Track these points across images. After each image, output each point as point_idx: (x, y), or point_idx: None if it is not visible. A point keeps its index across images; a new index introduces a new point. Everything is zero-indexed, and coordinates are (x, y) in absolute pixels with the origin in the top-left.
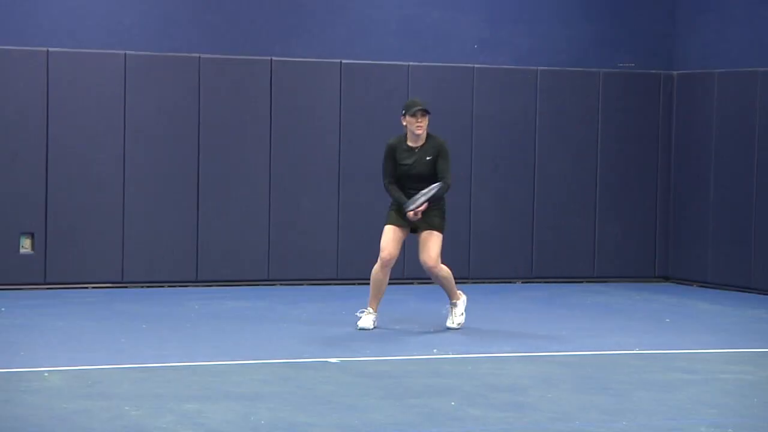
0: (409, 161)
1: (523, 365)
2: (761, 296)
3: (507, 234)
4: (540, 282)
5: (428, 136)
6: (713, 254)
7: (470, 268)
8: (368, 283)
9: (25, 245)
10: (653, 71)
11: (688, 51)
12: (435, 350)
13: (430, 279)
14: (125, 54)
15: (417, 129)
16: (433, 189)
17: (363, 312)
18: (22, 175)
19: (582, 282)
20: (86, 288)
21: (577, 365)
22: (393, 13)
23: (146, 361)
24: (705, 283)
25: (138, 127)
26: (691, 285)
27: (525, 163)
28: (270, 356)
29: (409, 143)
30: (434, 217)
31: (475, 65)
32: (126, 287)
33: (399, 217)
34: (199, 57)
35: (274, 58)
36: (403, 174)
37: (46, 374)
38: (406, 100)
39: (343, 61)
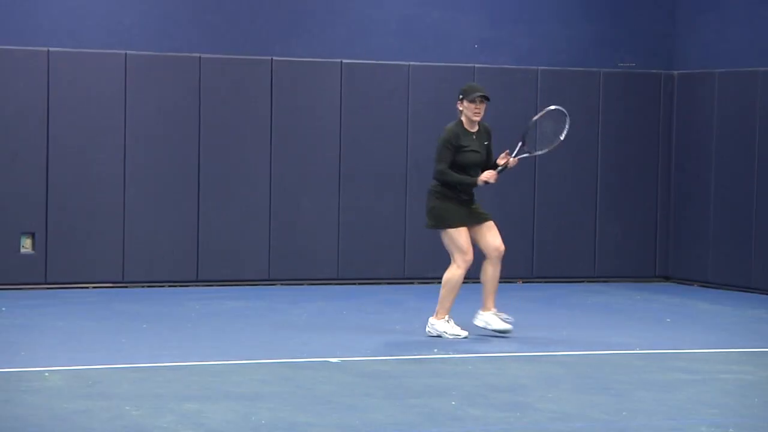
0: (471, 147)
1: (523, 365)
2: (761, 296)
3: (507, 234)
4: (540, 282)
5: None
6: (713, 254)
7: (470, 268)
8: (368, 283)
9: (26, 245)
10: (653, 71)
11: (688, 51)
12: (435, 350)
13: (429, 279)
14: (125, 54)
15: (475, 115)
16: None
17: (450, 326)
18: (22, 175)
19: (582, 282)
20: (86, 288)
21: (577, 365)
22: (393, 13)
23: (146, 360)
24: (705, 283)
25: (138, 127)
26: (692, 285)
27: (525, 163)
28: (270, 356)
29: (467, 128)
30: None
31: (476, 65)
32: (126, 287)
33: (463, 214)
34: (200, 57)
35: (274, 58)
36: (465, 160)
37: (46, 374)
38: (406, 100)
39: (343, 61)
